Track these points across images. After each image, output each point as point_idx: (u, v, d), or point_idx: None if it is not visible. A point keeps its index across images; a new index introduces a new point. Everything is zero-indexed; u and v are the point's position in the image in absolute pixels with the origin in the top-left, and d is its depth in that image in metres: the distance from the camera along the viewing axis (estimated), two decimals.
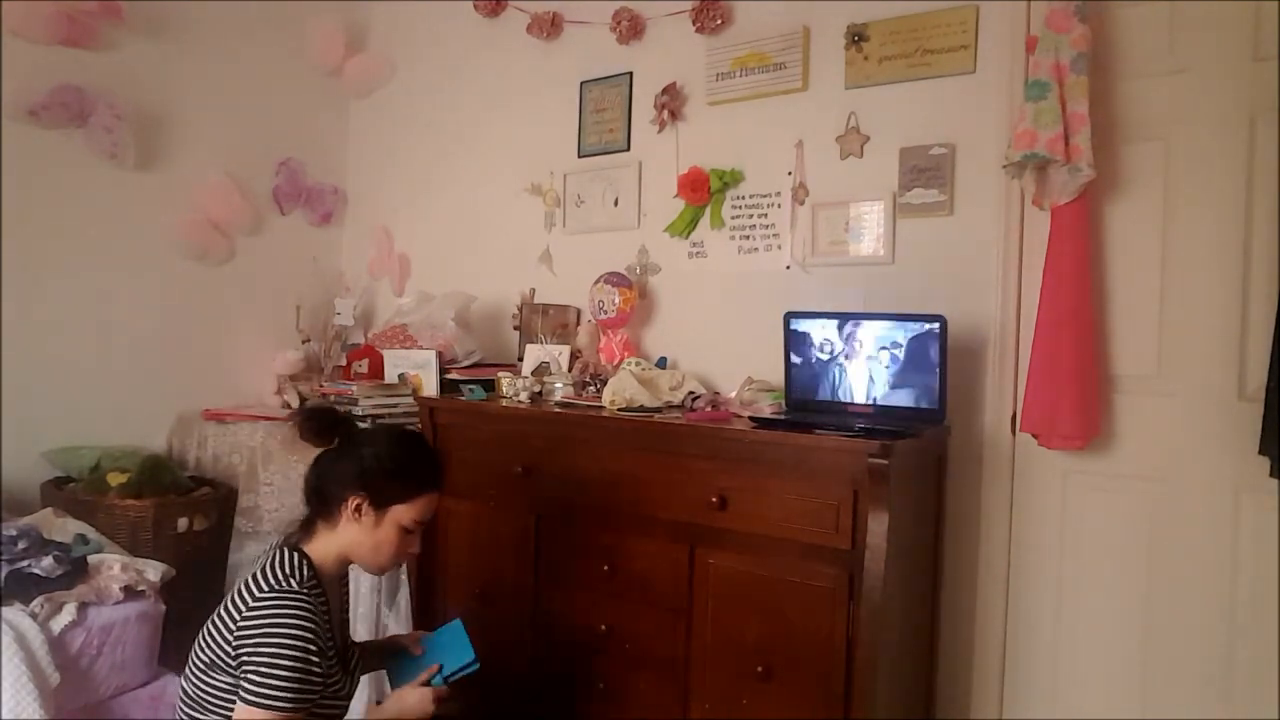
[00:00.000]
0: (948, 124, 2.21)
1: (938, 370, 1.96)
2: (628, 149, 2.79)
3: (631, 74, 2.78)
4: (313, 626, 1.38)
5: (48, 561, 1.97)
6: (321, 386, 2.88)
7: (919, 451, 1.96)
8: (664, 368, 2.53)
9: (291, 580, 1.43)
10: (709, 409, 2.19)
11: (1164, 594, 1.97)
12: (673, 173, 2.66)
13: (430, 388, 2.66)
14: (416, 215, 3.36)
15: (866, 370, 2.06)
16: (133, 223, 2.87)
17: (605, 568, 2.10)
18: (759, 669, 1.88)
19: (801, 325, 2.14)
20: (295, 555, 1.47)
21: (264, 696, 1.33)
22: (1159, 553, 1.98)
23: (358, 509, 1.50)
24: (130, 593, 2.04)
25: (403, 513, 1.52)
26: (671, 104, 2.65)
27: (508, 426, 2.34)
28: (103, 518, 2.41)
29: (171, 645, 2.11)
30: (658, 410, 2.20)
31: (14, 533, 2.04)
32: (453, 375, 2.69)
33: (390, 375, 2.73)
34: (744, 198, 2.55)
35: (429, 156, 3.33)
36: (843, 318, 2.10)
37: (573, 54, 2.91)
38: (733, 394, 2.30)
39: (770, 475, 1.88)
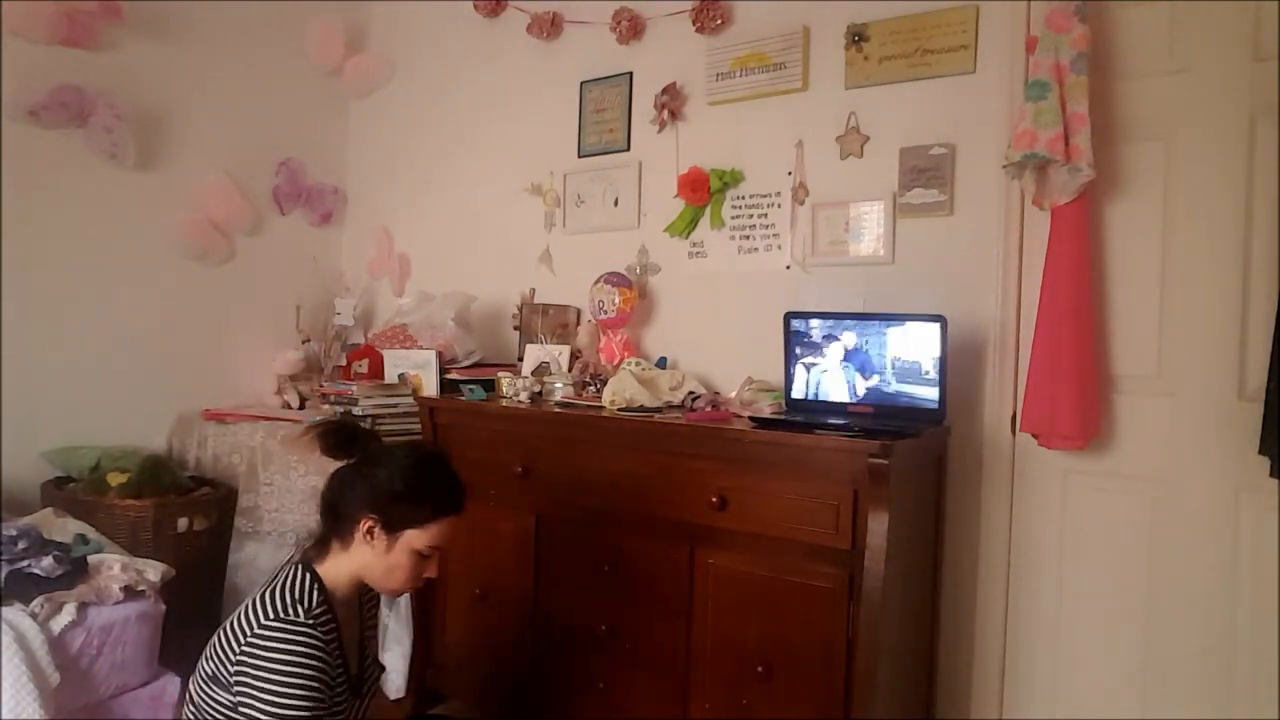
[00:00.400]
0: (948, 124, 2.21)
1: (938, 370, 1.96)
2: (628, 149, 2.79)
3: (631, 74, 2.78)
4: (317, 662, 1.35)
5: (48, 561, 1.97)
6: (321, 386, 2.88)
7: (919, 451, 1.96)
8: (664, 368, 2.53)
9: (299, 608, 1.38)
10: (709, 409, 2.19)
11: (1164, 594, 1.97)
12: (673, 173, 2.66)
13: (430, 388, 2.66)
14: (416, 215, 3.36)
15: (866, 370, 2.06)
16: (133, 223, 2.87)
17: (605, 568, 2.10)
18: (759, 669, 1.88)
19: (801, 325, 2.14)
20: (307, 577, 1.44)
21: None
22: (1159, 553, 1.98)
23: (369, 531, 1.45)
24: (130, 593, 2.04)
25: (416, 538, 1.46)
26: (671, 104, 2.65)
27: (508, 426, 2.34)
28: (103, 518, 2.41)
29: (171, 645, 2.11)
30: (658, 410, 2.20)
31: (14, 533, 2.04)
32: (453, 375, 2.70)
33: (390, 375, 2.74)
34: (744, 198, 2.55)
35: (429, 156, 3.33)
36: (843, 318, 2.11)
37: (573, 54, 2.91)
38: (733, 394, 2.30)
39: (770, 475, 1.88)
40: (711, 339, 2.58)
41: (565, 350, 2.65)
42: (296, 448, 2.61)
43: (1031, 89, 1.92)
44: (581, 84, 2.88)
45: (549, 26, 2.91)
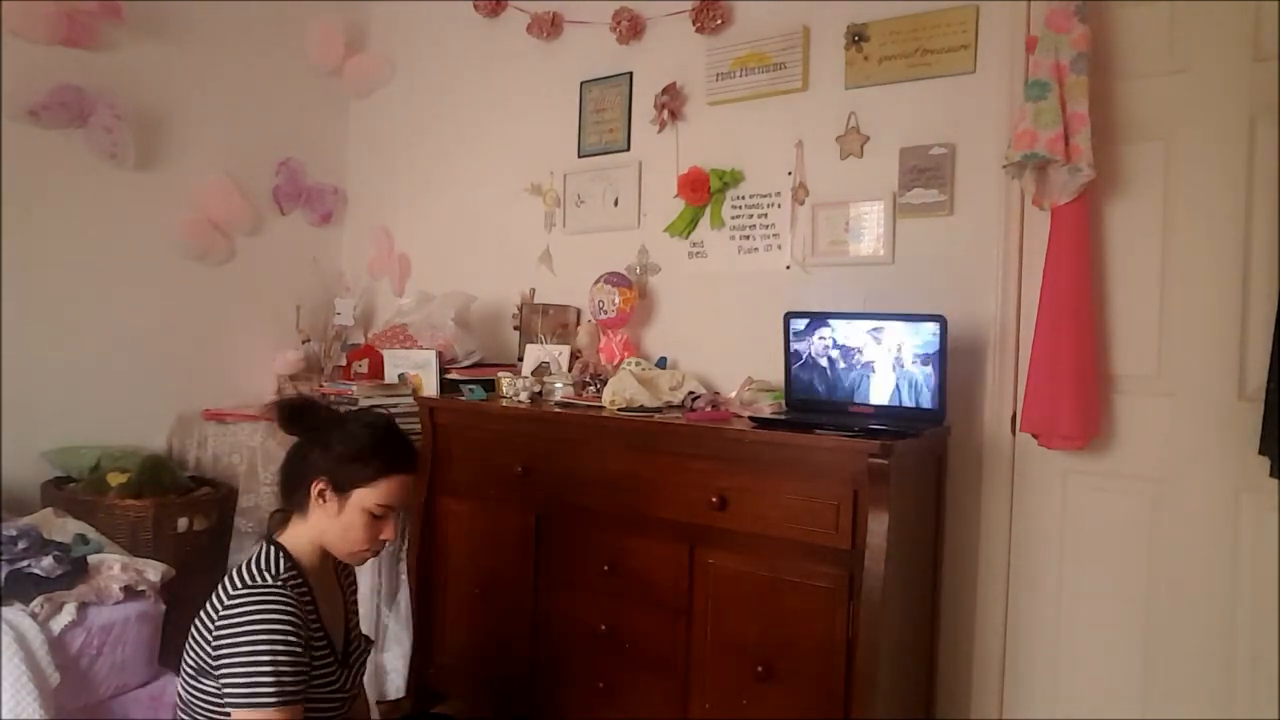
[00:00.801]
0: (948, 124, 2.21)
1: (937, 370, 1.96)
2: (628, 149, 2.79)
3: (631, 74, 2.78)
4: (289, 619, 1.36)
5: (48, 561, 1.97)
6: (321, 386, 2.88)
7: (919, 451, 1.97)
8: (664, 368, 2.53)
9: (266, 575, 1.41)
10: (709, 409, 2.19)
11: (1164, 594, 1.97)
12: (673, 173, 2.66)
13: (430, 388, 2.66)
14: (416, 215, 3.36)
15: (866, 370, 2.06)
16: (133, 223, 2.87)
17: (605, 568, 2.10)
18: (759, 669, 1.88)
19: (801, 325, 2.14)
20: (271, 549, 1.46)
21: (250, 696, 1.32)
22: (1159, 553, 1.98)
23: (321, 494, 1.47)
24: (130, 593, 2.04)
25: (366, 496, 1.47)
26: (671, 104, 2.65)
27: (508, 426, 2.34)
28: (103, 518, 2.40)
29: (171, 645, 2.10)
30: (658, 410, 2.20)
31: (14, 533, 2.04)
32: (453, 375, 2.69)
33: (390, 375, 2.73)
34: (744, 198, 2.55)
35: (429, 156, 3.33)
36: (842, 318, 2.11)
37: (573, 54, 2.91)
38: (733, 394, 2.30)
39: (770, 475, 1.88)
40: (711, 339, 2.58)
41: (565, 350, 2.65)
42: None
43: (1031, 89, 1.92)
44: (581, 84, 2.88)
45: (549, 26, 2.91)
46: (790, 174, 2.46)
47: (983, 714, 2.16)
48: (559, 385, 2.41)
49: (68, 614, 1.89)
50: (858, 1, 2.33)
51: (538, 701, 2.23)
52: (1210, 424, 1.92)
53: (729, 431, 1.96)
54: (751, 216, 2.53)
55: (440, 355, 2.71)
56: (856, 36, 2.33)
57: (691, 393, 2.31)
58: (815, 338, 2.12)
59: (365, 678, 2.38)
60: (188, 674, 1.43)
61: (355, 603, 1.70)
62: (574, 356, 2.64)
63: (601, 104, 2.84)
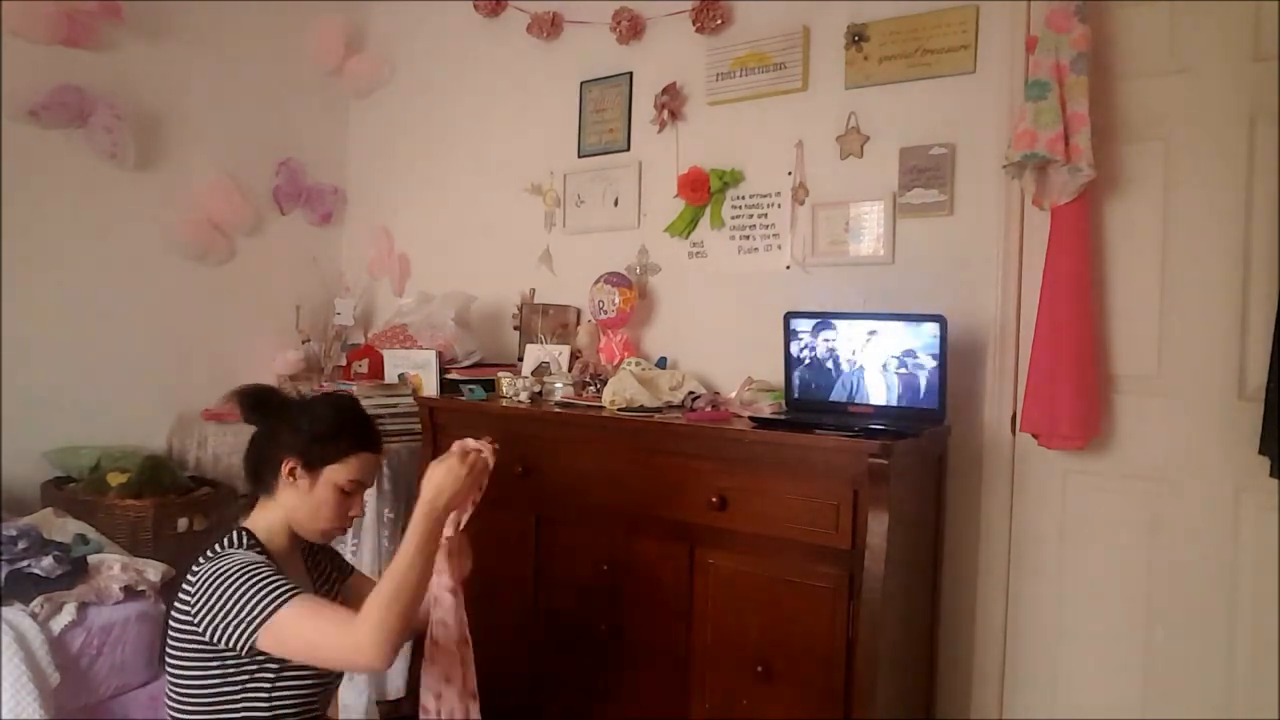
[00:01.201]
0: (948, 124, 2.21)
1: (938, 370, 1.96)
2: (628, 149, 2.79)
3: (631, 74, 2.78)
4: (260, 558, 1.38)
5: (48, 561, 1.97)
6: (321, 386, 2.88)
7: (919, 451, 1.96)
8: (664, 368, 2.53)
9: (230, 547, 1.43)
10: (709, 409, 2.19)
11: (1164, 594, 1.97)
12: (673, 173, 2.66)
13: (430, 388, 2.66)
14: (416, 215, 3.36)
15: (866, 370, 2.06)
16: (133, 223, 2.87)
17: (605, 568, 2.10)
18: (759, 669, 1.88)
19: (801, 325, 2.14)
20: (236, 532, 1.47)
21: (259, 612, 1.30)
22: (1159, 553, 1.98)
23: (291, 472, 1.48)
24: (130, 593, 2.04)
25: (336, 473, 1.49)
26: (671, 104, 2.65)
27: (508, 426, 2.34)
28: (103, 518, 2.40)
29: None
30: (658, 410, 2.20)
31: (14, 533, 2.04)
32: (453, 375, 2.69)
33: (390, 375, 2.73)
34: (744, 198, 2.54)
35: (429, 156, 3.33)
36: (843, 318, 2.11)
37: (573, 54, 2.91)
38: (733, 394, 2.30)
39: (770, 475, 1.88)
40: (711, 339, 2.58)
41: (565, 350, 2.65)
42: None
43: (1031, 89, 1.92)
44: (581, 84, 2.88)
45: (549, 26, 2.91)
46: (790, 174, 2.46)
47: (983, 714, 2.16)
48: (559, 385, 2.41)
49: (68, 614, 1.89)
50: (858, 1, 2.33)
51: (538, 702, 2.23)
52: (1210, 424, 1.92)
53: (729, 431, 1.96)
54: (751, 216, 2.53)
55: (440, 355, 2.71)
56: (856, 36, 2.32)
57: (691, 393, 2.31)
58: (815, 338, 2.12)
59: (365, 677, 2.39)
60: (169, 671, 1.42)
61: (326, 580, 1.66)
62: (574, 356, 2.64)
63: (601, 104, 2.84)
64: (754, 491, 1.90)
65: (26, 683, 1.75)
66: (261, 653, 1.33)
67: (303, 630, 1.30)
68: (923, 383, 1.99)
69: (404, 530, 2.34)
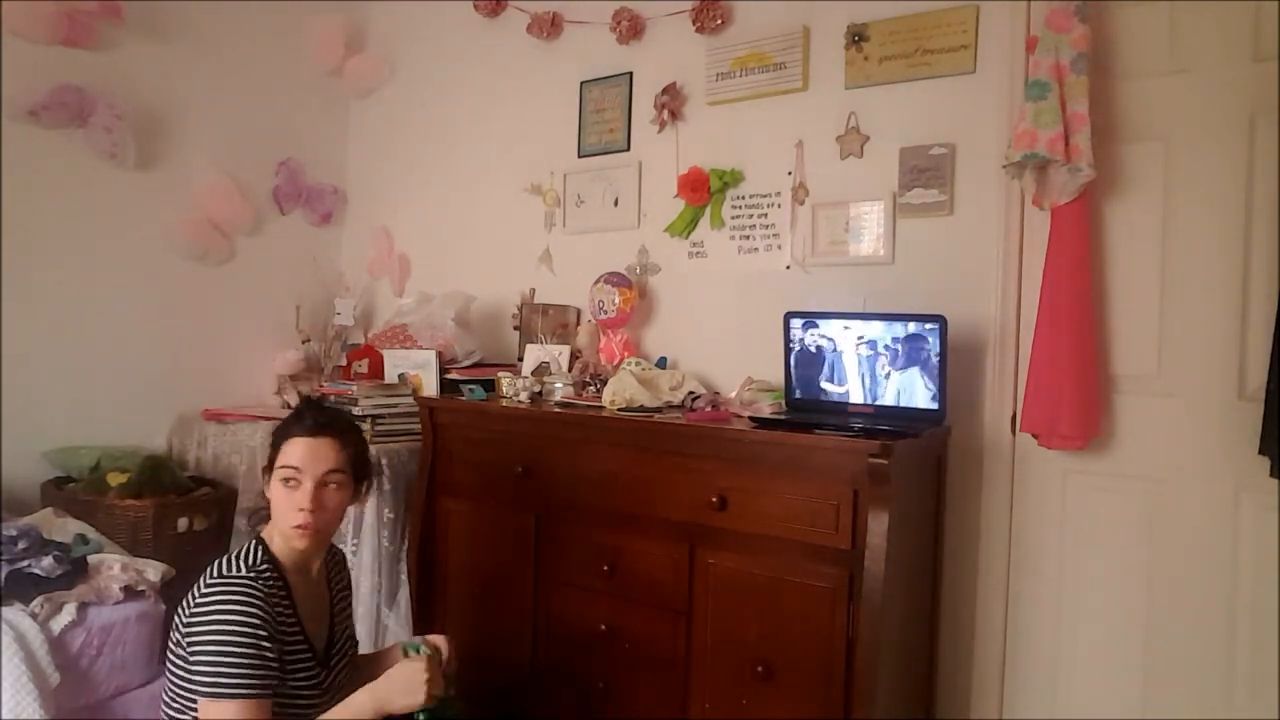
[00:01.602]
0: (948, 124, 2.21)
1: (938, 370, 1.96)
2: (628, 149, 2.79)
3: (631, 74, 2.78)
4: (258, 608, 1.38)
5: (48, 561, 1.97)
6: (321, 386, 2.88)
7: (919, 451, 1.96)
8: (664, 368, 2.53)
9: (240, 565, 1.44)
10: (709, 409, 2.19)
11: (1164, 594, 1.97)
12: (673, 173, 2.66)
13: (430, 388, 2.66)
14: (416, 215, 3.36)
15: (866, 370, 2.06)
16: (133, 223, 2.87)
17: (605, 568, 2.10)
18: (759, 669, 1.88)
19: (801, 325, 2.14)
20: (252, 543, 1.50)
21: (218, 686, 1.33)
22: (1159, 553, 1.98)
23: (267, 484, 1.55)
24: (130, 593, 2.04)
25: (278, 470, 1.53)
26: (671, 104, 2.65)
27: (508, 426, 2.34)
28: (103, 518, 2.40)
29: None
30: (658, 410, 2.20)
31: (14, 533, 2.04)
32: (453, 375, 2.69)
33: (390, 375, 2.73)
34: (744, 198, 2.55)
35: (429, 156, 3.33)
36: (843, 318, 2.11)
37: (573, 54, 2.91)
38: (733, 394, 2.30)
39: (770, 475, 1.88)
40: (711, 339, 2.58)
41: (565, 350, 2.65)
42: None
43: (1031, 89, 1.92)
44: (581, 84, 2.88)
45: (549, 26, 2.91)
46: (790, 174, 2.46)
47: (983, 714, 2.16)
48: (559, 385, 2.41)
49: (68, 614, 1.89)
50: (858, 1, 2.33)
51: (538, 701, 2.23)
52: (1210, 424, 1.92)
53: (729, 431, 1.96)
54: (751, 216, 2.53)
55: (440, 355, 2.71)
56: (856, 36, 2.33)
57: (691, 393, 2.31)
58: (815, 338, 2.12)
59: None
60: (169, 672, 1.44)
61: (346, 603, 1.70)
62: (574, 356, 2.64)
63: (601, 104, 2.84)
64: (754, 491, 1.90)
65: (26, 683, 1.75)
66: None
67: None
68: (923, 383, 1.99)
69: (403, 534, 2.34)
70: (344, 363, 2.95)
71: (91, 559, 2.10)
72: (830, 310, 2.22)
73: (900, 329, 2.01)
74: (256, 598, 1.39)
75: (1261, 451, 1.78)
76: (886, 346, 2.03)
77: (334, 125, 3.53)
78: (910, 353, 2.00)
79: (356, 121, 3.57)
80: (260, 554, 1.48)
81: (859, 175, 2.34)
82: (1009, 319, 2.13)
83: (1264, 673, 1.85)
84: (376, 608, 2.47)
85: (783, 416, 2.06)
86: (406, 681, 1.46)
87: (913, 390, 2.00)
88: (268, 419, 2.86)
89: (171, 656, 1.44)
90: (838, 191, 2.38)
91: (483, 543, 2.36)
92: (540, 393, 2.44)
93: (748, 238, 2.54)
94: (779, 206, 2.48)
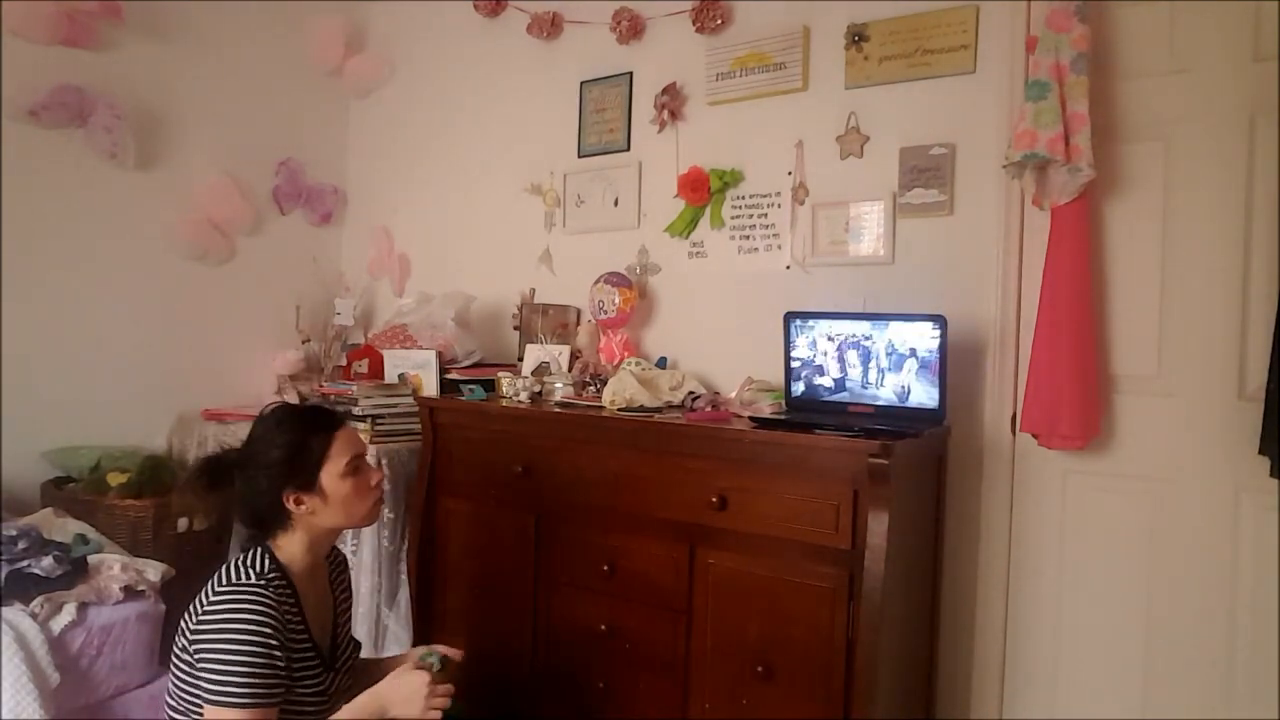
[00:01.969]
0: (948, 124, 2.21)
1: (938, 370, 1.96)
2: (628, 149, 2.79)
3: (631, 74, 2.78)
4: (269, 618, 1.37)
5: (48, 561, 1.97)
6: (321, 386, 2.88)
7: (919, 451, 1.96)
8: (664, 368, 2.53)
9: (250, 572, 1.43)
10: (709, 409, 2.19)
11: (1164, 594, 1.97)
12: (673, 173, 2.66)
13: (430, 388, 2.66)
14: (416, 215, 3.36)
15: (866, 370, 2.06)
16: (133, 223, 2.87)
17: (605, 568, 2.10)
18: (759, 669, 1.88)
19: (801, 325, 2.14)
20: (259, 550, 1.47)
21: (223, 694, 1.32)
22: (1159, 553, 1.98)
23: (297, 501, 1.49)
24: (130, 593, 2.04)
25: (332, 467, 1.50)
26: (671, 104, 2.65)
27: (508, 426, 2.34)
28: (103, 518, 2.41)
29: (171, 645, 2.11)
30: (658, 410, 2.20)
31: (14, 533, 2.05)
32: (453, 375, 2.69)
33: (390, 375, 2.73)
34: (744, 198, 2.55)
35: (429, 156, 3.33)
36: (843, 318, 2.11)
37: (573, 54, 2.91)
38: (733, 394, 2.30)
39: (770, 475, 1.88)
40: (711, 339, 2.58)
41: (565, 350, 2.65)
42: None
43: (1031, 89, 1.92)
44: (581, 84, 2.88)
45: (549, 26, 2.91)
46: (790, 174, 2.46)
47: (983, 714, 2.16)
48: (559, 385, 2.41)
49: (68, 614, 1.89)
50: (858, 1, 2.33)
51: (538, 701, 2.23)
52: (1210, 424, 1.92)
53: (729, 431, 1.96)
54: (751, 216, 2.53)
55: (440, 355, 2.71)
56: (856, 36, 2.32)
57: (691, 393, 2.31)
58: (815, 338, 2.12)
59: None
60: (173, 675, 1.44)
61: (348, 607, 1.71)
62: (574, 356, 2.64)
63: (601, 104, 2.84)
64: (754, 491, 1.90)
65: (26, 683, 1.75)
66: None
67: None
68: (923, 383, 1.99)
69: (403, 534, 2.34)
70: (344, 363, 2.95)
71: (91, 559, 2.10)
72: (830, 310, 2.22)
73: (900, 329, 2.01)
74: (268, 605, 1.38)
75: (1261, 451, 1.78)
76: (886, 346, 2.03)
77: (334, 125, 3.53)
78: (910, 353, 2.00)
79: (356, 121, 3.58)
80: (268, 561, 1.46)
81: (859, 175, 2.34)
82: (1009, 319, 2.13)
83: (1264, 673, 1.85)
84: (376, 608, 2.47)
85: (783, 416, 2.06)
86: (408, 692, 1.45)
87: (913, 390, 2.00)
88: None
89: (176, 660, 1.43)
90: (838, 191, 2.38)
91: (483, 543, 2.36)
92: (540, 393, 2.44)
93: (748, 238, 2.54)
94: (779, 206, 2.48)
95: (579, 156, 2.89)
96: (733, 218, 2.56)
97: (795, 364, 2.16)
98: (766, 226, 2.50)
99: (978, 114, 2.17)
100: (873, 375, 2.05)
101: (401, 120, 3.42)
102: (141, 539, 2.42)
